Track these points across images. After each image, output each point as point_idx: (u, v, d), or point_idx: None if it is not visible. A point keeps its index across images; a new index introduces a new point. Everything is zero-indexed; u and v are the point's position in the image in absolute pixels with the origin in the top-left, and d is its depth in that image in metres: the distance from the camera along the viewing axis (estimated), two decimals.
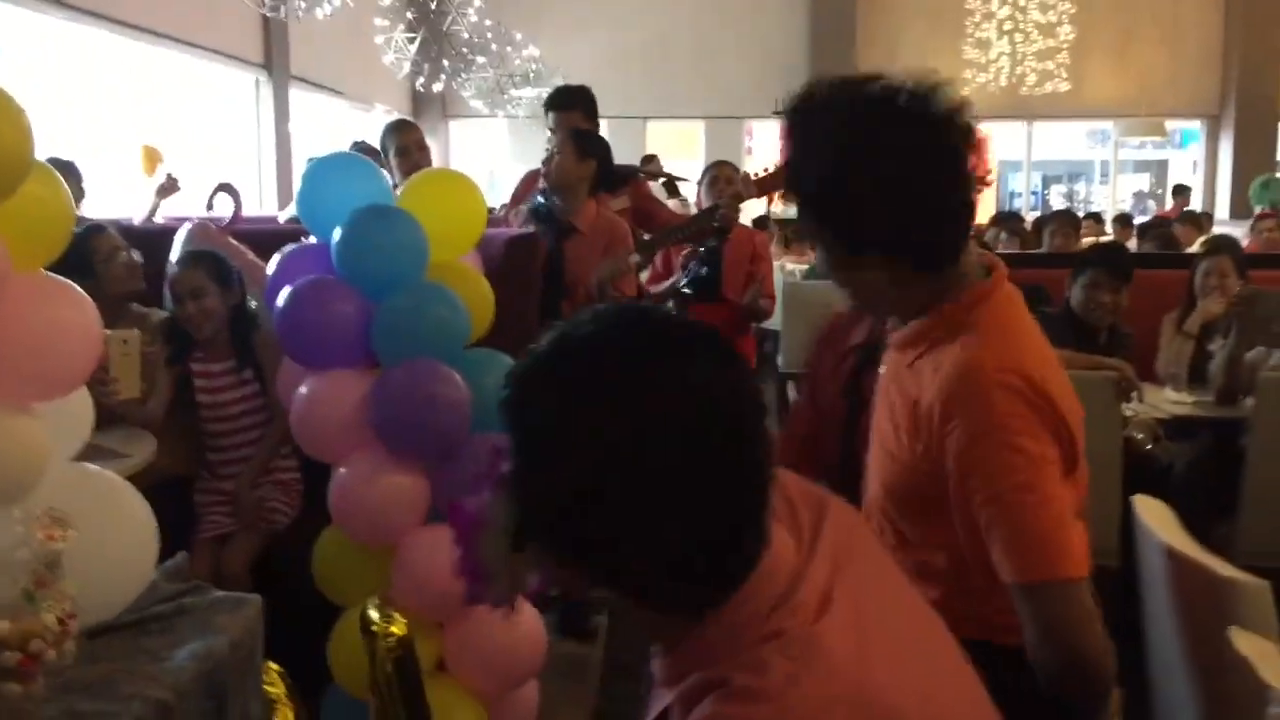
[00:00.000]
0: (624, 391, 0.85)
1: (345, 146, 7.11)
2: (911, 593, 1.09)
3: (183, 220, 3.48)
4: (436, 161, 13.72)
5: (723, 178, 4.33)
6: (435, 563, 2.54)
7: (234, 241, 3.34)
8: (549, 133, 4.22)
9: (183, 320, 3.04)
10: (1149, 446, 3.35)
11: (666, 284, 4.32)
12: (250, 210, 6.34)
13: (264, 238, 3.40)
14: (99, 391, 2.25)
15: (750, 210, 4.29)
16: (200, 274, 3.00)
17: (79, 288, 1.38)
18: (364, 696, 2.41)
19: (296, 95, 10.20)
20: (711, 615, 0.90)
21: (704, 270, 4.21)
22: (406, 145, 4.32)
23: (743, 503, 0.87)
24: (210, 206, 3.57)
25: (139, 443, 2.55)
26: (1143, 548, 1.83)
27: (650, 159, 9.84)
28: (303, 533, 2.91)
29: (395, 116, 13.18)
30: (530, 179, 4.25)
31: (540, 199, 3.84)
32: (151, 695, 1.25)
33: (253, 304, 3.13)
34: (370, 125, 11.98)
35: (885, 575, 1.07)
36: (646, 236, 4.24)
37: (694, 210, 7.05)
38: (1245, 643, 1.31)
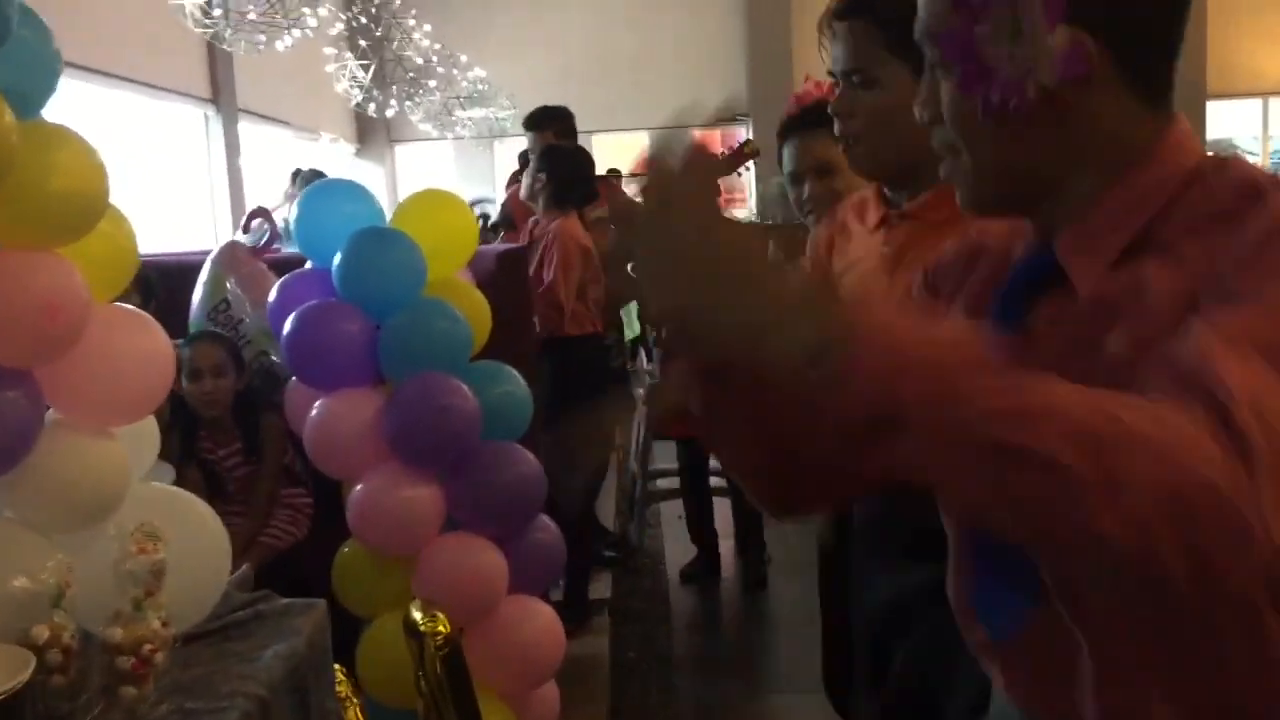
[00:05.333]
0: None
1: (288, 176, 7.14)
2: None
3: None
4: (383, 186, 13.77)
5: None
6: (455, 568, 2.63)
7: (263, 266, 3.25)
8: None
9: (197, 396, 2.92)
10: None
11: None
12: (208, 243, 6.23)
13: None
14: None
15: None
16: (223, 351, 2.95)
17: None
18: (397, 704, 2.48)
19: (244, 127, 10.19)
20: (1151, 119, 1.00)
21: None
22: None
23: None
24: (246, 229, 3.47)
25: None
26: None
27: (613, 172, 10.38)
28: (308, 552, 2.99)
29: (341, 143, 13.26)
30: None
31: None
32: (251, 692, 1.33)
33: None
34: (317, 154, 12.00)
35: None
36: None
37: None
38: None
